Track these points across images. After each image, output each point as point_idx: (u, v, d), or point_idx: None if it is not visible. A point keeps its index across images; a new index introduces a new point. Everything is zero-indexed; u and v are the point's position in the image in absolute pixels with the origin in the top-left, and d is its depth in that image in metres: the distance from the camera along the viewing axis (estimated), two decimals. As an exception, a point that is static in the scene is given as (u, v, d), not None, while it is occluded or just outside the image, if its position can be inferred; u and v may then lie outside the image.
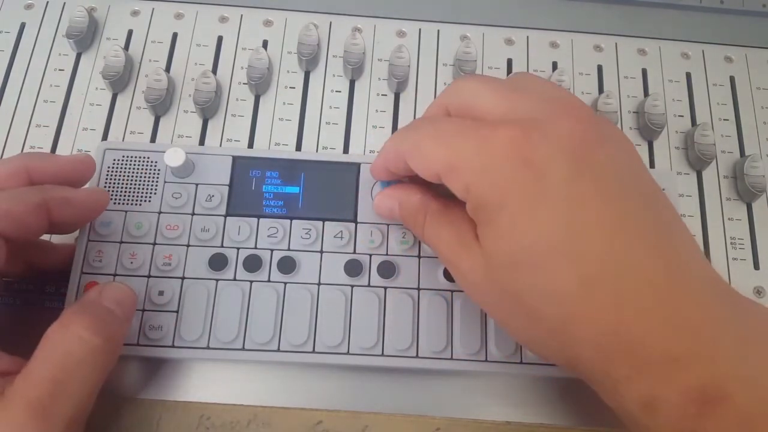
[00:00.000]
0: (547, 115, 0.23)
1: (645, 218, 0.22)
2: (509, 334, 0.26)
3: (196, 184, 0.31)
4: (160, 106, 0.35)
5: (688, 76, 0.38)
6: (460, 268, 0.25)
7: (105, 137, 0.34)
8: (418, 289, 0.29)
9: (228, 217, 0.30)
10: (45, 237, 0.30)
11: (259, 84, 0.35)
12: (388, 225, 0.30)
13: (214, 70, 0.36)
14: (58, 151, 0.34)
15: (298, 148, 0.35)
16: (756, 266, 0.33)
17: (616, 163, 0.22)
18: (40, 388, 0.22)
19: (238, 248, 0.30)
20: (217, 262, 0.29)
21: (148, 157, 0.31)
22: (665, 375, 0.20)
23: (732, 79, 0.38)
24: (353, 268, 0.29)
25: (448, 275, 0.30)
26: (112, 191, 0.30)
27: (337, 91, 0.36)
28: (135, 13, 0.38)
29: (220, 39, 0.37)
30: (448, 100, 0.26)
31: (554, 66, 0.38)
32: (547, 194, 0.21)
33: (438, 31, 0.39)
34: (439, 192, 0.27)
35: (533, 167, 0.22)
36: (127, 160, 0.31)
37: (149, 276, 0.29)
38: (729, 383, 0.20)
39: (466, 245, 0.24)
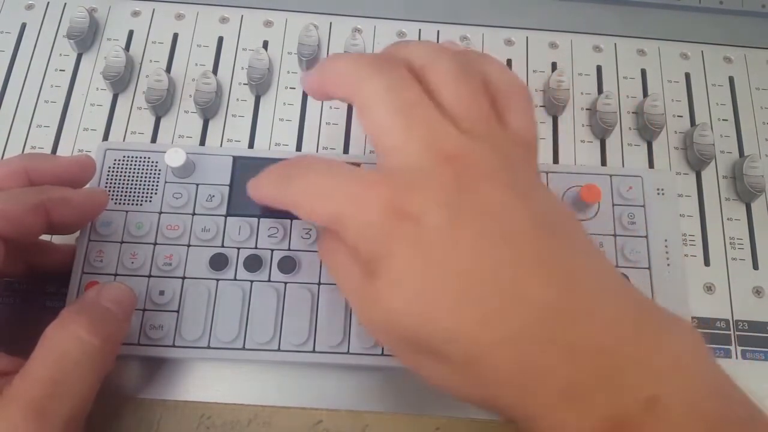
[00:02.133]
0: (429, 160, 0.22)
1: (533, 248, 0.21)
2: (426, 380, 0.23)
3: (197, 185, 0.31)
4: (161, 106, 0.35)
5: (687, 76, 0.38)
6: (363, 300, 0.23)
7: (106, 137, 0.34)
8: (418, 288, 0.30)
9: (228, 217, 0.30)
10: (46, 238, 0.30)
11: (260, 84, 0.35)
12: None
13: (215, 71, 0.37)
14: (59, 152, 0.34)
15: (299, 148, 0.35)
16: (755, 266, 0.33)
17: (494, 201, 0.21)
18: (37, 389, 0.22)
19: (238, 248, 0.30)
20: (218, 262, 0.29)
21: (149, 158, 0.31)
22: (576, 406, 0.20)
23: (731, 80, 0.38)
24: (353, 267, 0.30)
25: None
26: (113, 191, 0.30)
27: (337, 92, 0.36)
28: (136, 13, 0.38)
29: (220, 39, 0.38)
30: (345, 93, 0.25)
31: (553, 66, 0.38)
32: (428, 241, 0.21)
33: (438, 31, 0.39)
34: None
35: (410, 218, 0.21)
36: (127, 161, 0.31)
37: (150, 276, 0.29)
38: (638, 414, 0.19)
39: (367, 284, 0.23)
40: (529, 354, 0.20)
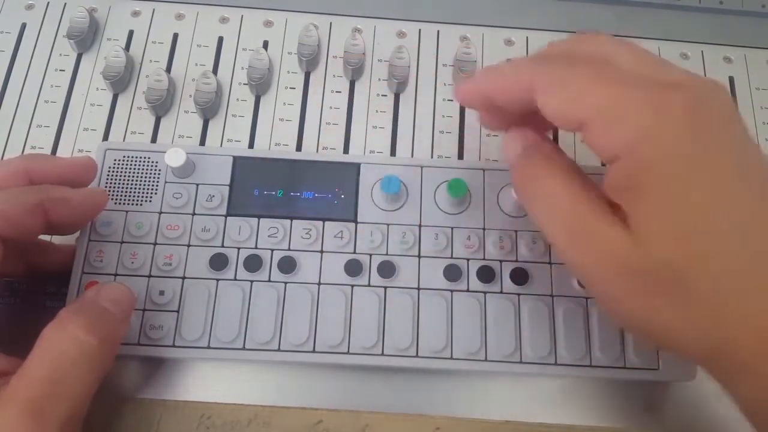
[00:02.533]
0: (701, 84, 0.21)
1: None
2: (637, 323, 0.22)
3: (197, 185, 0.31)
4: (161, 106, 0.35)
5: (688, 76, 0.38)
6: (596, 237, 0.21)
7: (106, 137, 0.34)
8: (418, 288, 0.30)
9: (228, 217, 0.30)
10: (46, 238, 0.30)
11: (260, 84, 0.35)
12: (388, 225, 0.30)
13: (215, 71, 0.37)
14: (59, 152, 0.34)
15: (299, 148, 0.35)
16: (755, 266, 0.33)
17: (746, 139, 0.22)
18: (35, 389, 0.22)
19: (238, 248, 0.30)
20: (218, 262, 0.29)
21: (149, 158, 0.31)
22: None
23: (731, 80, 0.38)
24: (353, 267, 0.30)
25: (448, 275, 0.30)
26: (113, 191, 0.30)
27: (337, 92, 0.36)
28: (136, 13, 0.38)
29: (220, 39, 0.38)
30: (576, 48, 0.23)
31: (554, 66, 0.38)
32: (726, 171, 0.20)
33: (438, 31, 0.39)
34: None
35: (710, 138, 0.20)
36: (127, 161, 0.31)
37: (150, 276, 0.29)
38: None
39: (604, 215, 0.21)
40: None
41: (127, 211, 0.30)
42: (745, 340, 0.20)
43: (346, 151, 0.35)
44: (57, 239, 0.31)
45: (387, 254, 0.30)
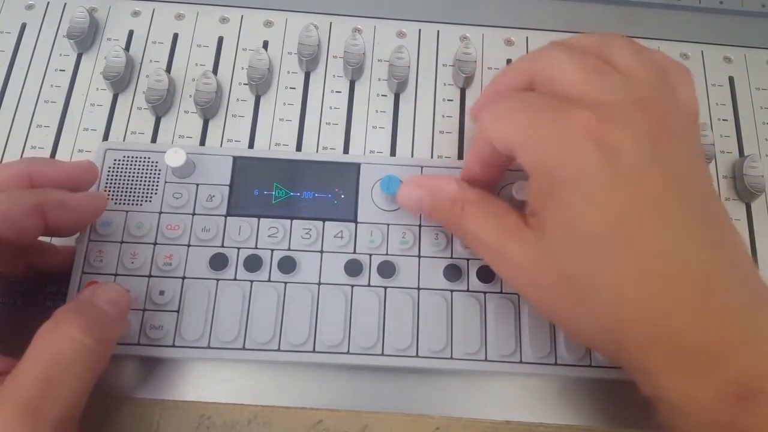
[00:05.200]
0: (627, 104, 0.23)
1: (701, 217, 0.23)
2: (554, 320, 0.27)
3: (197, 185, 0.31)
4: (161, 106, 0.35)
5: (688, 76, 0.38)
6: (508, 254, 0.25)
7: (106, 137, 0.34)
8: (418, 288, 0.30)
9: (228, 217, 0.30)
10: (47, 239, 0.30)
11: (260, 84, 0.35)
12: (388, 225, 0.31)
13: (215, 71, 0.37)
14: (59, 152, 0.34)
15: (299, 148, 0.35)
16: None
17: (682, 161, 0.23)
18: (29, 388, 0.22)
19: (238, 248, 0.30)
20: (218, 262, 0.29)
21: (149, 158, 0.31)
22: (703, 369, 0.21)
23: (731, 80, 0.38)
24: (353, 268, 0.30)
25: (448, 275, 0.30)
26: (113, 191, 0.30)
27: (337, 92, 0.36)
28: (136, 13, 0.38)
29: (220, 39, 0.38)
30: (534, 69, 0.26)
31: (554, 66, 0.38)
32: (618, 183, 0.22)
33: (438, 31, 0.39)
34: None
35: (607, 151, 0.22)
36: (127, 161, 0.31)
37: (150, 276, 0.29)
38: (766, 380, 0.20)
39: (514, 231, 0.25)
40: (672, 313, 0.22)
41: (127, 211, 0.30)
42: (631, 346, 0.23)
43: (346, 151, 0.35)
44: (57, 240, 0.31)
45: (387, 254, 0.30)
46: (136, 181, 0.31)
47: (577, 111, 0.23)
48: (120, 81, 0.35)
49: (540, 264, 0.24)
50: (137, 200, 0.30)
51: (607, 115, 0.23)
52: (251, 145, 0.35)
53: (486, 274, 0.30)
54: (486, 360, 0.28)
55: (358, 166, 0.32)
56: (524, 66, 0.27)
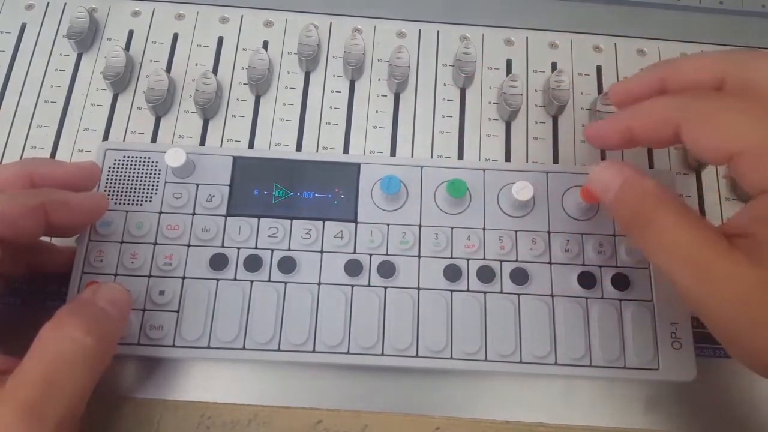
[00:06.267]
0: None
1: None
2: (756, 351, 0.22)
3: (197, 185, 0.31)
4: (161, 106, 0.35)
5: (688, 76, 0.38)
6: (718, 274, 0.22)
7: (106, 137, 0.34)
8: (418, 288, 0.30)
9: (228, 217, 0.30)
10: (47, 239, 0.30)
11: (260, 84, 0.35)
12: (388, 225, 0.31)
13: (215, 71, 0.37)
14: (59, 152, 0.34)
15: (299, 148, 0.35)
16: (755, 266, 0.33)
17: None
18: (31, 389, 0.22)
19: (238, 248, 0.30)
20: (218, 262, 0.29)
21: (149, 158, 0.31)
22: None
23: (731, 80, 0.38)
24: (353, 268, 0.30)
25: (448, 275, 0.30)
26: (113, 191, 0.30)
27: (337, 92, 0.36)
28: (136, 13, 0.38)
29: (220, 40, 0.38)
30: (727, 68, 0.24)
31: (553, 66, 0.38)
32: None
33: (438, 31, 0.39)
34: None
35: None
36: (127, 161, 0.31)
37: (150, 276, 0.29)
38: None
39: (722, 250, 0.22)
40: None
41: (127, 211, 0.30)
42: None
43: (346, 151, 0.35)
44: (57, 240, 0.31)
45: (387, 254, 0.30)
46: (136, 181, 0.31)
47: None
48: (120, 81, 0.35)
49: (761, 288, 0.21)
50: (137, 200, 0.30)
51: None
52: (251, 145, 0.35)
53: (486, 274, 0.30)
54: (486, 360, 0.29)
55: (358, 166, 0.32)
56: (714, 62, 0.24)
